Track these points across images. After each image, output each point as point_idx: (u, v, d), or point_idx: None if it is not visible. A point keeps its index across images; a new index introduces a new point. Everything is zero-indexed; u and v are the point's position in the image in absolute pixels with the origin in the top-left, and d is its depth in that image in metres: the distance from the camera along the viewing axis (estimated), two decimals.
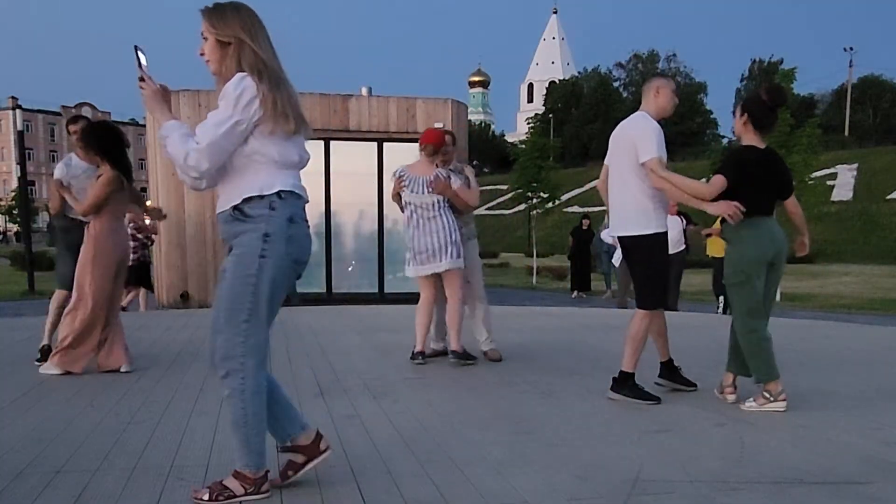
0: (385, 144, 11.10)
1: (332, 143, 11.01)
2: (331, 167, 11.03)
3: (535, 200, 21.35)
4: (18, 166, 16.60)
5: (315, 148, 11.49)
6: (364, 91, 11.64)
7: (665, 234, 3.82)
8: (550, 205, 21.32)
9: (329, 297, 10.77)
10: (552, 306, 10.53)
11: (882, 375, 4.61)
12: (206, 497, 2.37)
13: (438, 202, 4.75)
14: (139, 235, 8.96)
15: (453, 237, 4.74)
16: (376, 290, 10.95)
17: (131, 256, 9.05)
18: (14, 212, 52.01)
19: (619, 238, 3.93)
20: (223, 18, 2.30)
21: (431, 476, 2.65)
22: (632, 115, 3.91)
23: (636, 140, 3.71)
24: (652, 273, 3.84)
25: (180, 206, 10.55)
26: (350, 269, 11.46)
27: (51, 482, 2.59)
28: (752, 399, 3.67)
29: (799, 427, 3.35)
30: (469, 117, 15.23)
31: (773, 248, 3.65)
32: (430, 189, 4.71)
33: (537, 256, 21.12)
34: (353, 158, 11.01)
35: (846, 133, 54.86)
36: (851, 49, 60.65)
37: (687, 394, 4.03)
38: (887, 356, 5.42)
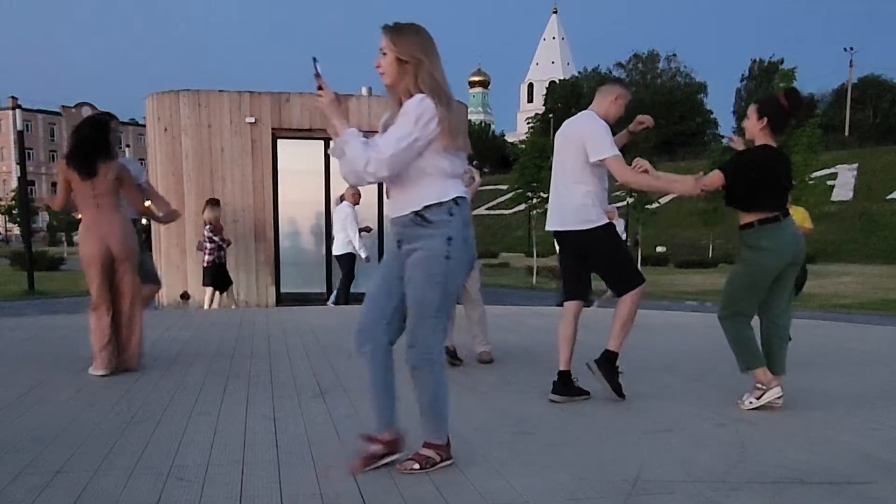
0: None
1: (332, 143, 11.00)
2: (330, 167, 11.02)
3: (535, 200, 21.38)
4: (18, 166, 16.60)
5: (315, 148, 11.58)
6: (364, 91, 11.64)
7: None
8: None
9: (329, 298, 10.76)
10: (552, 306, 10.53)
11: (882, 375, 4.62)
12: (416, 467, 2.66)
13: None
14: (215, 238, 9.08)
15: None
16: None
17: (206, 258, 9.23)
18: (14, 212, 51.99)
19: (578, 232, 3.83)
20: (405, 38, 2.53)
21: (431, 476, 2.65)
22: (579, 114, 3.93)
23: (587, 139, 3.73)
24: (623, 256, 3.95)
25: (180, 206, 10.53)
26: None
27: (51, 482, 2.59)
28: (747, 396, 3.67)
29: (799, 427, 3.35)
30: (469, 117, 15.23)
31: (791, 253, 3.63)
32: None
33: (537, 256, 21.13)
34: None
35: (846, 133, 54.87)
36: (851, 49, 60.76)
37: (687, 394, 4.03)
38: (887, 356, 5.43)
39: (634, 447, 3.02)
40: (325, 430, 3.28)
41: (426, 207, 2.54)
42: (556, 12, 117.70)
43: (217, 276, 9.28)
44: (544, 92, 77.62)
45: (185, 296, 10.61)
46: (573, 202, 3.81)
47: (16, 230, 53.84)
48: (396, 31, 2.54)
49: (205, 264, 9.23)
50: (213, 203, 9.33)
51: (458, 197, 2.58)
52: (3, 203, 58.44)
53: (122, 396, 3.93)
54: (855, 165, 43.50)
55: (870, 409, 3.68)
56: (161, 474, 2.66)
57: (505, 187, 33.98)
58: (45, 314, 8.92)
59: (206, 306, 9.27)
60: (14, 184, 56.50)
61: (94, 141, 4.43)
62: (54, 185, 4.89)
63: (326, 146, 10.96)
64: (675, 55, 78.33)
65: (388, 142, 2.48)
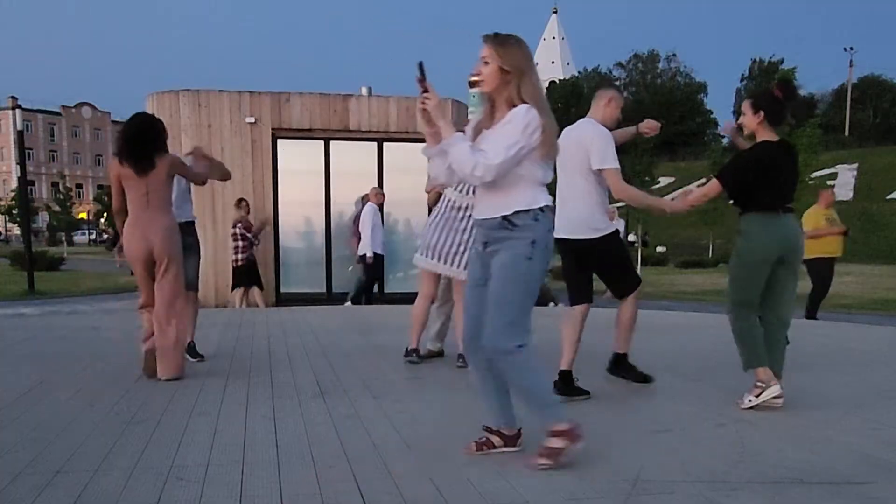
0: (385, 144, 11.10)
1: (332, 143, 11.01)
2: (331, 167, 11.03)
3: None
4: (18, 166, 16.61)
5: (315, 148, 11.57)
6: (364, 91, 11.64)
7: None
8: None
9: (329, 297, 10.77)
10: (552, 306, 10.53)
11: (882, 375, 4.62)
12: (550, 462, 2.69)
13: (471, 206, 4.64)
14: (248, 235, 9.14)
15: (469, 246, 4.67)
16: (377, 290, 10.94)
17: (240, 257, 9.27)
18: (14, 212, 51.99)
19: (588, 240, 3.87)
20: (507, 49, 2.62)
21: (431, 476, 2.65)
22: (580, 122, 3.95)
23: (590, 146, 3.78)
24: (626, 260, 4.12)
25: None
26: (350, 269, 11.46)
27: (51, 482, 2.59)
28: (747, 394, 3.67)
29: (799, 427, 3.35)
30: (469, 117, 15.22)
31: (779, 247, 3.63)
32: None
33: None
34: (353, 158, 11.01)
35: (846, 133, 54.87)
36: (851, 49, 60.77)
37: (687, 394, 4.03)
38: (887, 356, 5.43)
39: (634, 447, 3.02)
40: (325, 430, 3.28)
41: (515, 213, 2.66)
42: (556, 12, 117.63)
43: (250, 275, 9.41)
44: (544, 92, 77.54)
45: None
46: (582, 211, 3.86)
47: (16, 230, 53.83)
48: (501, 42, 2.62)
49: (238, 264, 9.31)
50: (241, 203, 9.43)
51: (545, 205, 2.69)
52: (3, 203, 58.45)
53: (122, 396, 3.93)
54: (855, 165, 43.52)
55: (870, 409, 3.68)
56: (161, 474, 2.66)
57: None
58: (45, 314, 8.92)
59: (237, 305, 9.44)
60: (14, 184, 56.53)
61: (149, 136, 4.36)
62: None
63: (326, 146, 11.00)
64: (675, 55, 78.28)
65: (497, 148, 2.58)
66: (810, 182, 14.30)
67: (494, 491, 2.51)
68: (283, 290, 10.86)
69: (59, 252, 29.71)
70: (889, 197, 38.86)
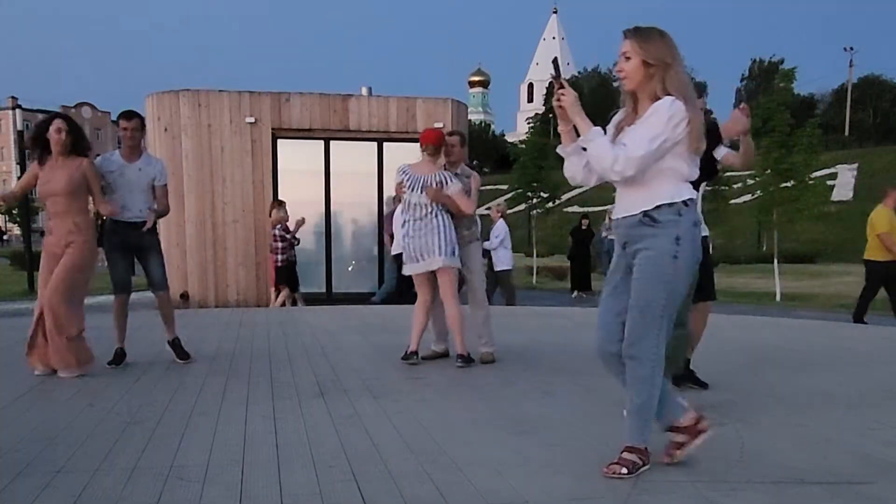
0: (385, 144, 11.10)
1: (332, 143, 11.01)
2: (331, 167, 11.03)
3: (535, 200, 21.35)
4: (18, 166, 16.60)
5: (315, 148, 11.58)
6: (364, 91, 11.64)
7: None
8: (550, 205, 21.31)
9: (329, 297, 10.77)
10: (552, 306, 10.54)
11: (882, 375, 4.61)
12: (625, 472, 2.61)
13: (433, 204, 4.76)
14: (287, 236, 9.19)
15: (447, 237, 4.74)
16: (375, 291, 10.95)
17: (280, 257, 9.33)
18: (14, 212, 51.99)
19: None
20: (651, 42, 2.53)
21: (431, 476, 2.65)
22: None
23: None
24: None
25: (180, 206, 10.55)
26: (350, 268, 11.47)
27: (51, 482, 2.59)
28: None
29: (799, 427, 3.35)
30: (469, 117, 15.24)
31: None
32: (422, 192, 4.72)
33: (537, 256, 21.11)
34: (353, 158, 11.02)
35: (846, 133, 54.86)
36: (851, 49, 60.66)
37: (687, 394, 4.02)
38: (887, 356, 5.42)
39: None
40: (325, 430, 3.28)
41: (657, 207, 2.55)
42: (556, 12, 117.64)
43: (291, 275, 9.47)
44: (544, 92, 77.52)
45: (184, 296, 10.61)
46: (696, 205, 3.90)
47: (16, 230, 53.81)
48: (642, 35, 2.54)
49: (278, 264, 9.38)
50: (281, 204, 9.55)
51: (688, 199, 2.58)
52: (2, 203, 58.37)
53: (122, 396, 3.93)
54: (855, 165, 43.47)
55: (870, 409, 3.68)
56: (161, 474, 2.66)
57: (505, 187, 33.95)
58: None
59: (276, 304, 9.50)
60: (14, 184, 56.51)
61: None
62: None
63: (326, 146, 11.00)
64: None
65: (638, 141, 2.48)
66: (810, 182, 14.26)
67: (494, 491, 2.51)
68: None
69: None
70: None
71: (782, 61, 53.53)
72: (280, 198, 10.84)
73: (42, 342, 4.45)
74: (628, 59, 2.54)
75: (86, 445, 3.03)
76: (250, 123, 10.73)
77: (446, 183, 4.76)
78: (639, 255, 2.58)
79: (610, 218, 4.18)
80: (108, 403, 3.76)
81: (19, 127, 16.99)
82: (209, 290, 10.66)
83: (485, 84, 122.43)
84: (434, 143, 4.85)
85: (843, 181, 41.38)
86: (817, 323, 8.00)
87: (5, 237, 55.65)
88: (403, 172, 4.89)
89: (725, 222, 31.47)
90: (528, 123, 23.00)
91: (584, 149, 2.60)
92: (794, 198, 13.72)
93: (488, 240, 9.58)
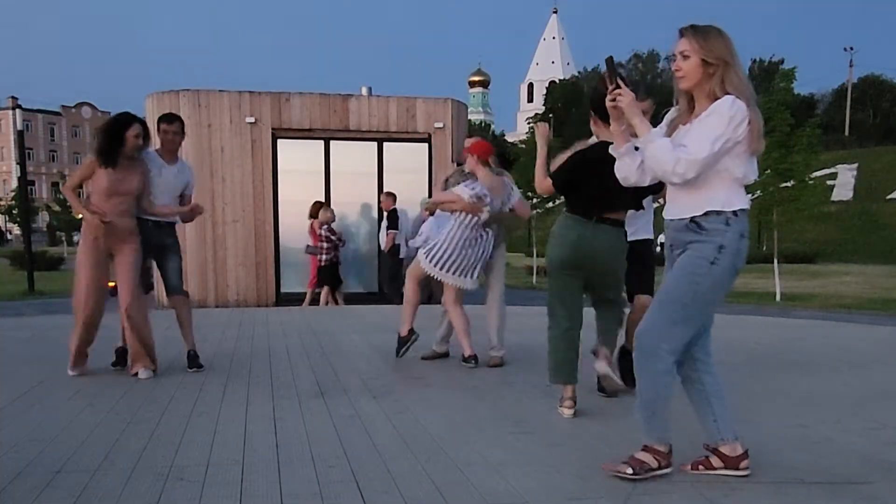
0: (385, 144, 11.10)
1: (332, 143, 11.00)
2: (331, 167, 11.03)
3: (535, 200, 21.36)
4: (18, 166, 16.61)
5: (315, 148, 11.56)
6: (364, 91, 11.63)
7: None
8: (550, 205, 21.32)
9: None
10: None
11: (882, 375, 4.61)
12: (629, 471, 2.56)
13: (485, 234, 4.78)
14: (332, 237, 9.37)
15: (486, 258, 4.82)
16: (376, 290, 10.94)
17: (324, 257, 9.43)
18: (14, 212, 51.99)
19: (644, 240, 4.15)
20: (709, 40, 2.47)
21: (431, 476, 2.65)
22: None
23: None
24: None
25: None
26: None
27: (51, 482, 2.59)
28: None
29: (799, 427, 3.35)
30: (469, 117, 15.24)
31: (576, 253, 3.40)
32: (483, 216, 4.64)
33: (537, 256, 21.11)
34: (353, 158, 11.01)
35: (846, 133, 54.84)
36: (851, 49, 60.66)
37: (686, 394, 4.02)
38: (887, 356, 5.43)
39: (634, 447, 3.02)
40: (325, 430, 3.28)
41: (705, 214, 2.49)
42: (556, 12, 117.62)
43: (334, 275, 9.77)
44: (544, 92, 77.55)
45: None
46: (645, 214, 4.02)
47: (15, 230, 53.85)
48: (700, 33, 2.48)
49: (322, 263, 9.67)
50: (326, 205, 9.85)
51: (740, 209, 2.50)
52: (3, 203, 58.43)
53: (122, 396, 3.93)
54: (855, 165, 43.45)
55: (870, 409, 3.68)
56: (161, 474, 2.66)
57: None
58: (45, 314, 8.92)
59: (322, 303, 9.69)
60: (14, 184, 56.51)
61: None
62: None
63: (326, 146, 10.99)
64: (675, 55, 78.17)
65: (701, 142, 2.41)
66: (810, 182, 14.24)
67: (494, 491, 2.51)
68: (283, 290, 10.86)
69: (58, 252, 29.70)
70: (889, 197, 38.81)
71: (782, 61, 53.66)
72: (280, 198, 10.85)
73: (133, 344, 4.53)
74: (686, 57, 2.48)
75: (86, 445, 3.03)
76: (250, 123, 10.72)
77: (511, 194, 4.81)
78: (682, 255, 2.56)
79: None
80: (108, 403, 3.77)
81: (19, 127, 16.94)
82: (209, 290, 10.64)
83: (485, 84, 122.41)
84: (489, 153, 4.77)
85: (843, 181, 41.37)
86: (817, 323, 8.00)
87: (9, 237, 55.71)
88: (482, 193, 4.66)
89: None
90: (528, 123, 23.04)
91: (637, 148, 2.57)
92: (794, 198, 13.71)
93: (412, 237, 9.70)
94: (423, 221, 9.71)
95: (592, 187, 3.38)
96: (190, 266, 10.73)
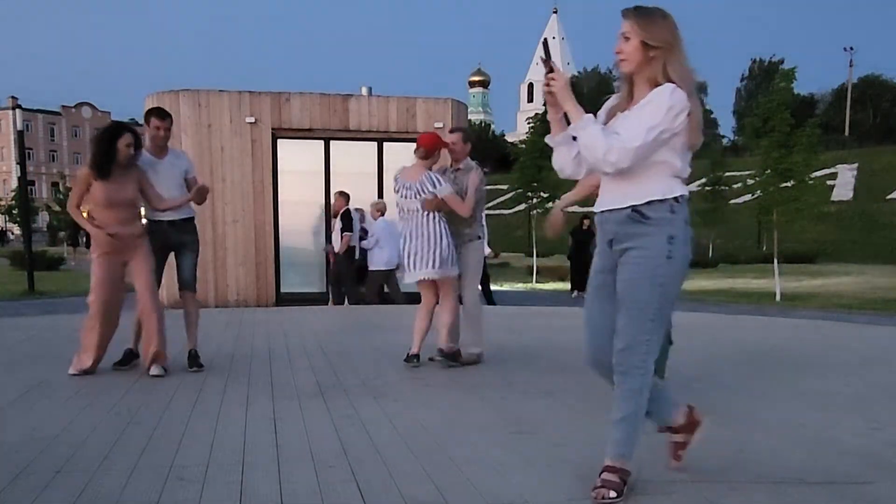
0: (385, 144, 11.10)
1: (332, 143, 11.00)
2: (331, 167, 11.03)
3: (535, 200, 21.37)
4: (18, 166, 16.60)
5: (315, 148, 11.55)
6: (364, 91, 11.63)
7: None
8: (550, 205, 21.31)
9: (329, 298, 10.76)
10: (552, 306, 10.54)
11: (881, 375, 4.61)
12: (613, 495, 2.40)
13: (417, 208, 4.75)
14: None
15: (442, 246, 4.69)
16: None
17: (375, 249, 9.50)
18: (14, 212, 51.98)
19: None
20: (653, 23, 2.35)
21: (431, 476, 2.65)
22: None
23: None
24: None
25: None
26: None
27: (51, 482, 2.58)
28: None
29: (799, 427, 3.35)
30: (469, 117, 15.23)
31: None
32: (421, 206, 4.70)
33: (537, 256, 21.11)
34: (353, 158, 11.01)
35: (846, 133, 54.87)
36: (851, 49, 60.74)
37: (686, 394, 4.02)
38: (887, 356, 5.43)
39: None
40: (325, 430, 3.28)
41: (649, 203, 2.36)
42: (556, 12, 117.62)
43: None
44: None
45: None
46: None
47: (16, 230, 53.87)
48: (644, 15, 2.36)
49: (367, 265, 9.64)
50: (379, 204, 9.78)
51: (680, 195, 2.40)
52: (3, 203, 58.43)
53: (122, 396, 3.93)
54: (855, 165, 43.49)
55: (870, 409, 3.68)
56: (161, 474, 2.66)
57: (505, 187, 33.96)
58: (44, 314, 8.92)
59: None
60: (14, 184, 56.51)
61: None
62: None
63: (326, 146, 10.99)
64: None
65: (635, 130, 2.28)
66: (810, 182, 14.25)
67: (494, 491, 2.51)
68: (283, 290, 10.86)
69: (59, 252, 29.69)
70: (889, 197, 38.84)
71: (782, 61, 53.59)
72: (280, 198, 10.85)
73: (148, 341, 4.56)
74: (627, 39, 2.35)
75: (86, 445, 3.03)
76: (250, 123, 10.72)
77: (435, 185, 4.68)
78: (628, 253, 2.40)
79: None
80: (108, 403, 3.76)
81: (19, 127, 16.92)
82: (209, 290, 10.63)
83: (485, 84, 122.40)
84: (424, 147, 4.79)
85: (843, 181, 41.39)
86: (817, 323, 8.00)
87: (11, 237, 55.75)
88: (396, 180, 4.90)
89: (725, 222, 31.52)
90: (528, 123, 23.01)
91: (575, 138, 2.39)
92: (794, 198, 13.70)
93: (364, 238, 9.71)
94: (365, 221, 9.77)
95: None
96: None
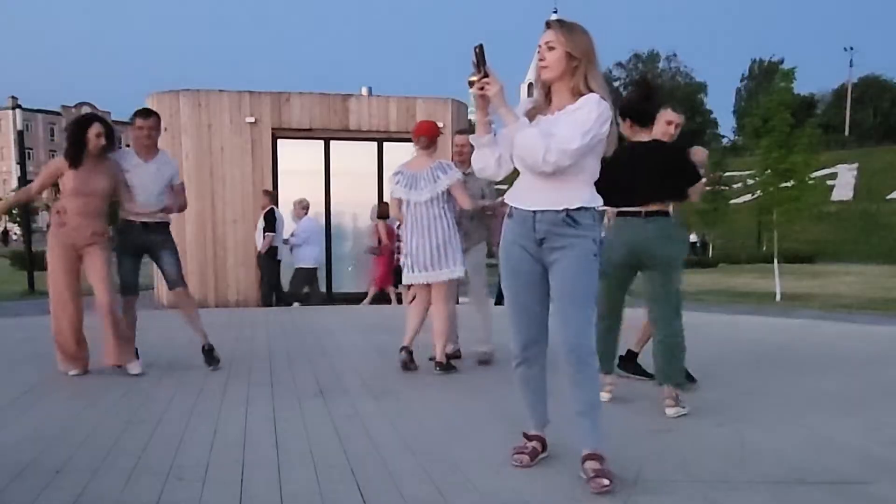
0: (385, 144, 11.11)
1: (332, 143, 11.02)
2: (331, 167, 11.04)
3: None
4: (18, 166, 16.61)
5: (315, 148, 11.57)
6: (364, 91, 11.65)
7: None
8: None
9: (329, 298, 10.77)
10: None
11: (882, 375, 4.61)
12: (607, 483, 2.48)
13: (436, 200, 4.53)
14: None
15: (454, 245, 4.54)
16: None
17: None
18: (14, 211, 51.96)
19: None
20: (574, 35, 2.52)
21: (431, 476, 2.65)
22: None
23: None
24: None
25: None
26: (350, 268, 11.46)
27: (51, 482, 2.58)
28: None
29: (799, 427, 3.35)
30: (469, 117, 15.23)
31: (622, 251, 3.61)
32: (431, 199, 4.53)
33: None
34: (353, 158, 11.02)
35: (846, 133, 54.91)
36: (851, 49, 60.83)
37: (686, 394, 4.02)
38: (887, 356, 5.42)
39: (634, 447, 3.02)
40: (325, 430, 3.28)
41: (579, 209, 2.53)
42: (556, 12, 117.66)
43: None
44: None
45: None
46: None
47: (17, 230, 53.83)
48: (567, 27, 2.52)
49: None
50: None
51: (599, 206, 2.59)
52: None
53: (122, 396, 3.93)
54: (855, 165, 43.52)
55: (870, 409, 3.68)
56: (161, 474, 2.66)
57: (506, 187, 33.97)
58: (44, 314, 8.92)
59: (404, 301, 9.58)
60: (14, 184, 56.40)
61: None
62: (55, 185, 4.86)
63: (326, 146, 11.00)
64: (675, 55, 78.01)
65: (572, 133, 2.42)
66: (810, 182, 14.26)
67: (494, 491, 2.51)
68: (283, 290, 10.86)
69: None
70: (889, 197, 38.86)
71: (782, 61, 53.63)
72: (280, 198, 10.86)
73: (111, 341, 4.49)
74: (552, 48, 2.51)
75: (86, 445, 3.03)
76: (250, 123, 10.73)
77: (446, 171, 4.55)
78: (560, 251, 2.56)
79: (609, 218, 4.09)
80: (108, 403, 3.77)
81: (19, 127, 16.94)
82: (209, 290, 10.65)
83: None
84: (426, 136, 4.66)
85: (843, 181, 41.42)
86: (817, 323, 8.00)
87: (13, 237, 55.73)
88: (398, 174, 4.69)
89: (725, 222, 31.54)
90: None
91: (497, 139, 2.57)
92: (794, 198, 13.71)
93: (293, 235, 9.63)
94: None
95: (617, 181, 3.37)
96: (190, 266, 10.73)
